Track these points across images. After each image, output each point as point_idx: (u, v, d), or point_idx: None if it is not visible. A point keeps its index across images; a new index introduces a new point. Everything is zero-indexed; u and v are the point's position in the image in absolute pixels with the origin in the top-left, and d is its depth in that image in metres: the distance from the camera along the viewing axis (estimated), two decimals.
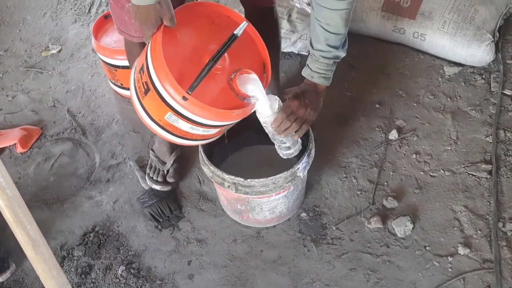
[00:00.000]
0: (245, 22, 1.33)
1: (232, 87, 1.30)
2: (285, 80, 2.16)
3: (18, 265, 1.70)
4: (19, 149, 2.06)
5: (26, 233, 0.98)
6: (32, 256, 1.02)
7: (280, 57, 1.86)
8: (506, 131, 1.88)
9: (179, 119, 1.29)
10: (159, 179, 1.83)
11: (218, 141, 1.58)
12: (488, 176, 1.76)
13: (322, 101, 1.51)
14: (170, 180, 1.83)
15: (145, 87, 1.30)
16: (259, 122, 1.52)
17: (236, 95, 1.31)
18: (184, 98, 1.20)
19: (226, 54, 1.30)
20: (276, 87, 1.90)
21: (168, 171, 1.84)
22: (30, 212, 0.99)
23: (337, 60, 1.43)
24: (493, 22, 2.07)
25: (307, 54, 2.20)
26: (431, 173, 1.81)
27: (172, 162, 1.85)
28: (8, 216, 0.96)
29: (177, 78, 1.20)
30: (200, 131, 1.33)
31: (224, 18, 1.37)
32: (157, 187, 1.82)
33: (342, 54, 1.42)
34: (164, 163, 1.86)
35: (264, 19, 1.65)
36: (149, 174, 1.85)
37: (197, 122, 1.29)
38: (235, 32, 1.30)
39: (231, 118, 1.32)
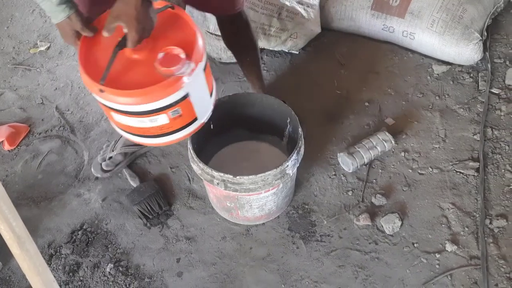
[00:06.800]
0: (165, 5, 1.31)
1: (157, 68, 1.24)
2: (274, 78, 2.16)
3: (5, 263, 1.69)
4: (7, 147, 2.04)
5: (11, 230, 0.98)
6: (17, 253, 1.01)
7: (260, 57, 1.86)
8: (494, 129, 1.90)
9: (121, 116, 1.29)
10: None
11: (208, 138, 1.58)
12: (476, 174, 1.78)
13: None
14: (105, 168, 1.89)
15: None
16: (248, 119, 1.52)
17: (163, 74, 1.24)
18: (101, 91, 1.22)
19: (148, 40, 1.27)
20: (260, 87, 1.90)
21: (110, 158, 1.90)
22: (15, 209, 0.99)
23: None
24: (481, 21, 2.08)
25: (297, 52, 2.23)
26: (419, 171, 1.82)
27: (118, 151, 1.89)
28: None
29: (98, 79, 1.22)
30: (147, 122, 1.30)
31: None
32: (98, 174, 1.90)
33: None
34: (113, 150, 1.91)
35: (234, 24, 1.69)
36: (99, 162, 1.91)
37: (134, 112, 1.27)
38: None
39: (159, 95, 1.24)
